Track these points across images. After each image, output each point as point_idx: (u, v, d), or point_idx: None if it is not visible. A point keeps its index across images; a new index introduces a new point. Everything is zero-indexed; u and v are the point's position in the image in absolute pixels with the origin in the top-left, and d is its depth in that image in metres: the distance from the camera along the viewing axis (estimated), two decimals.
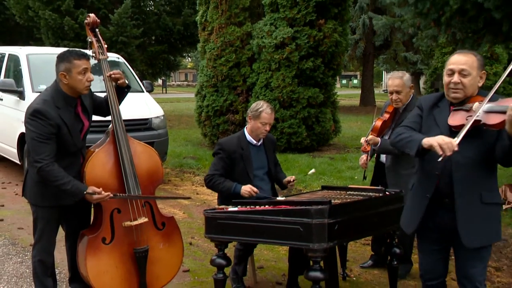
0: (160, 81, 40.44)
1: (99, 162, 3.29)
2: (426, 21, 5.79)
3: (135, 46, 14.48)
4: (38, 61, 7.53)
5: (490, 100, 2.62)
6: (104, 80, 3.40)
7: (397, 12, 6.51)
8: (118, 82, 3.42)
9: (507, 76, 2.78)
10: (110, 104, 3.36)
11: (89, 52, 3.50)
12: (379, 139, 3.96)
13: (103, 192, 3.12)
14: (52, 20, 13.27)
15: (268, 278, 4.22)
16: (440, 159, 2.52)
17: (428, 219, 2.79)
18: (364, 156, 4.24)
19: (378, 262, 4.41)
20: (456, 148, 2.49)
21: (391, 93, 4.01)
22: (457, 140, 2.52)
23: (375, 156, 4.25)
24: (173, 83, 58.08)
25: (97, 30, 3.50)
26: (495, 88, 2.68)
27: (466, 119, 2.63)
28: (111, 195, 3.17)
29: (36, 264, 3.36)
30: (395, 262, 3.64)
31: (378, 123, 4.05)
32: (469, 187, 2.69)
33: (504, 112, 2.50)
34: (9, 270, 4.33)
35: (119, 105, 3.43)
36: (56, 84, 3.24)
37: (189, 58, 45.00)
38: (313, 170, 4.01)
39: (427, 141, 2.57)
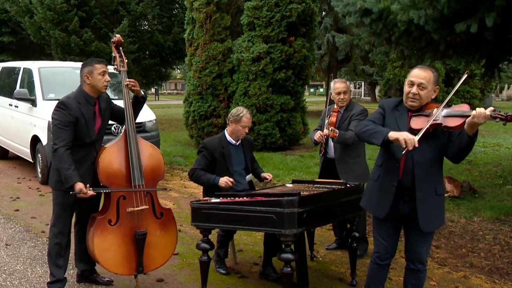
0: (153, 90, 40.06)
1: (112, 154, 3.33)
2: (379, 40, 5.86)
3: (131, 60, 14.36)
4: (48, 73, 7.48)
5: (445, 107, 2.67)
6: (122, 87, 3.49)
7: (355, 31, 6.56)
8: (134, 89, 3.45)
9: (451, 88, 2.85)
10: (125, 107, 3.45)
11: (112, 66, 3.63)
12: (337, 130, 4.03)
13: (88, 192, 3.13)
14: (60, 39, 13.29)
15: (246, 259, 4.21)
16: (403, 152, 2.55)
17: (391, 208, 2.79)
18: (319, 132, 4.22)
19: (341, 244, 4.44)
20: (416, 144, 2.52)
21: (339, 93, 4.14)
22: (417, 137, 2.56)
23: (322, 153, 4.27)
24: (164, 91, 57.52)
25: (120, 48, 3.57)
26: (450, 96, 2.75)
27: (427, 123, 2.67)
28: (94, 193, 3.17)
29: (52, 246, 3.34)
30: (355, 244, 3.66)
31: (333, 119, 4.18)
32: (427, 182, 2.72)
33: (462, 116, 2.56)
34: (24, 253, 4.28)
35: (137, 114, 3.53)
36: (80, 87, 3.35)
37: (178, 70, 44.60)
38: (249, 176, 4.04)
39: (393, 134, 2.57)
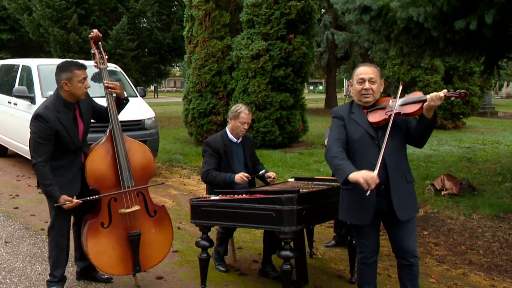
0: (152, 87, 40.00)
1: (98, 157, 3.27)
2: (378, 37, 5.84)
3: (131, 57, 14.35)
4: (47, 71, 7.44)
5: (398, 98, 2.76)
6: (104, 86, 3.37)
7: (354, 29, 6.53)
8: (115, 92, 3.35)
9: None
10: (108, 106, 3.34)
11: (91, 62, 3.48)
12: None
13: (73, 200, 3.11)
14: (59, 36, 13.27)
15: (246, 257, 4.22)
16: (367, 194, 2.52)
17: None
18: None
19: (340, 242, 4.45)
20: (377, 180, 2.50)
21: None
22: (375, 172, 2.55)
23: None
24: (164, 89, 57.49)
25: (99, 43, 3.46)
26: (400, 92, 2.80)
27: (386, 114, 2.74)
28: (80, 202, 3.13)
29: (52, 248, 3.33)
30: (354, 242, 3.66)
31: None
32: (398, 171, 2.76)
33: (419, 101, 2.67)
34: (24, 250, 4.28)
35: (118, 114, 3.39)
36: (57, 92, 3.20)
37: (177, 68, 44.60)
38: (292, 179, 3.99)
39: (354, 177, 2.51)
